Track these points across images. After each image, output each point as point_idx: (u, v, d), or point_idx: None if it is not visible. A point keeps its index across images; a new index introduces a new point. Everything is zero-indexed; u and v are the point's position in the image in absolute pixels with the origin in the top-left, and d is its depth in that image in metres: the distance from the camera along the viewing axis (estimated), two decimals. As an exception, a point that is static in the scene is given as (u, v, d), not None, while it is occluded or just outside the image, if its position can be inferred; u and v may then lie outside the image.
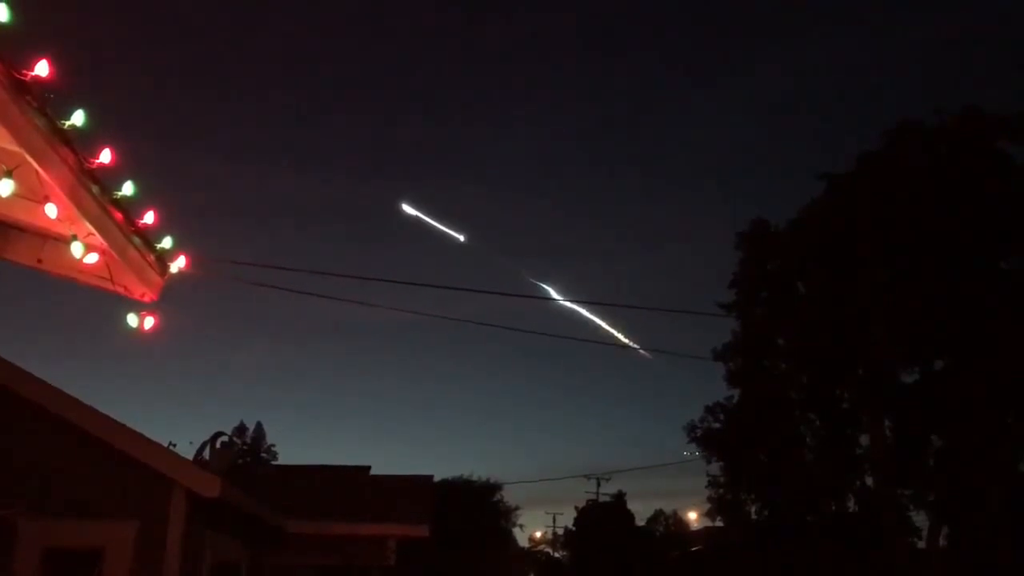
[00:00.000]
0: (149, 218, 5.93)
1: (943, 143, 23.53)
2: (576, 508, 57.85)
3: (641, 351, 50.62)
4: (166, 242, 6.34)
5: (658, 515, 62.96)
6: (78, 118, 4.75)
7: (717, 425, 29.58)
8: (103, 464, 9.91)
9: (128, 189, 5.55)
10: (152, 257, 6.25)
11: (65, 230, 5.57)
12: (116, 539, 9.60)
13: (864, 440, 26.60)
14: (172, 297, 6.70)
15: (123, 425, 10.15)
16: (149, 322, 6.46)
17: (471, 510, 39.91)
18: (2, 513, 8.40)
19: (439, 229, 60.40)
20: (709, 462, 29.74)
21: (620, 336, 42.01)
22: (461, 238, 60.67)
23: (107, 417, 10.09)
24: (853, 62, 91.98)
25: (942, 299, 22.25)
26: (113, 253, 5.82)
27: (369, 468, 22.68)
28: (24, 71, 4.22)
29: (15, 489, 9.28)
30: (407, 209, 57.51)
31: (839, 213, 24.55)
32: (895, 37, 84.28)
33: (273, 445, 54.32)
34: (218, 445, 16.07)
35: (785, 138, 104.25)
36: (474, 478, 46.62)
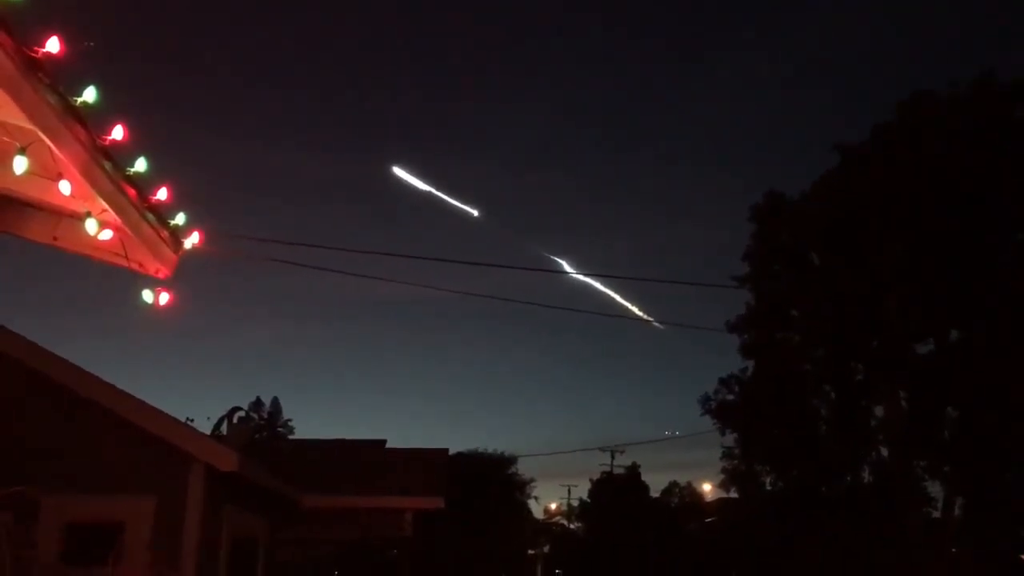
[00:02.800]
0: (162, 194, 5.93)
1: (958, 112, 23.26)
2: (591, 480, 58.19)
3: (655, 324, 50.61)
4: (179, 218, 6.34)
5: (672, 487, 63.17)
6: (89, 95, 4.74)
7: (731, 397, 29.56)
8: (122, 440, 10.01)
9: (141, 165, 5.55)
10: (166, 233, 6.25)
11: (79, 207, 5.58)
12: (136, 514, 9.71)
13: (879, 412, 26.56)
14: (187, 273, 6.73)
15: (141, 401, 10.24)
16: (164, 298, 6.49)
17: (486, 483, 40.17)
18: (24, 489, 8.51)
19: (453, 205, 60.22)
20: (723, 434, 29.77)
21: (634, 309, 41.94)
22: (475, 213, 60.45)
23: (126, 394, 10.18)
24: (869, 32, 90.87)
25: (956, 272, 22.09)
26: (127, 229, 5.84)
27: (385, 442, 22.84)
28: (35, 48, 4.21)
29: (37, 465, 9.39)
30: (399, 174, 57.09)
31: (853, 185, 24.36)
32: (911, 5, 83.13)
33: (289, 420, 54.77)
34: (235, 420, 16.17)
35: (800, 110, 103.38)
36: (489, 451, 46.91)
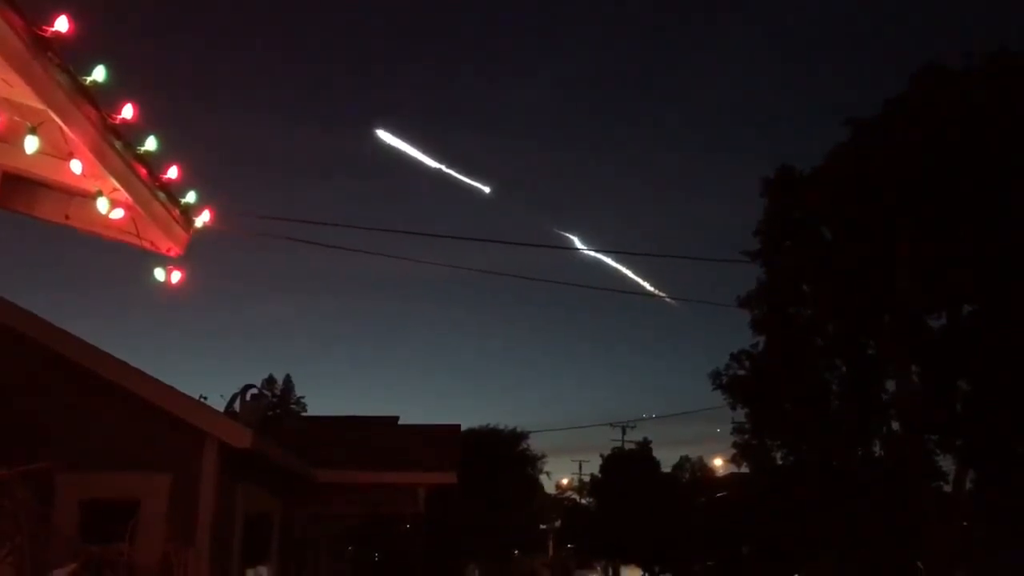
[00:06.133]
0: (173, 173, 5.94)
1: (972, 85, 22.99)
2: (602, 456, 58.42)
3: (667, 299, 50.53)
4: (190, 196, 6.35)
5: (683, 462, 63.39)
6: (99, 74, 4.75)
7: (742, 372, 29.53)
8: (137, 418, 10.10)
9: (151, 144, 5.56)
10: (177, 212, 6.27)
11: (90, 186, 5.60)
12: (151, 490, 9.80)
13: (891, 386, 26.50)
14: (199, 251, 6.76)
15: (155, 379, 10.31)
16: (176, 276, 6.52)
17: (498, 458, 40.39)
18: (41, 466, 8.60)
19: (464, 182, 60.00)
20: (734, 409, 29.76)
21: (646, 285, 41.89)
22: (486, 190, 60.28)
23: (140, 372, 10.25)
24: (880, 4, 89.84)
25: (970, 244, 21.95)
26: (138, 208, 5.86)
27: (397, 418, 22.96)
28: (45, 27, 4.21)
29: (53, 443, 9.48)
30: (383, 136, 56.63)
31: (865, 158, 24.16)
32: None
33: (302, 397, 54.82)
34: (248, 397, 16.23)
35: (812, 83, 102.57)
36: (501, 427, 47.12)
